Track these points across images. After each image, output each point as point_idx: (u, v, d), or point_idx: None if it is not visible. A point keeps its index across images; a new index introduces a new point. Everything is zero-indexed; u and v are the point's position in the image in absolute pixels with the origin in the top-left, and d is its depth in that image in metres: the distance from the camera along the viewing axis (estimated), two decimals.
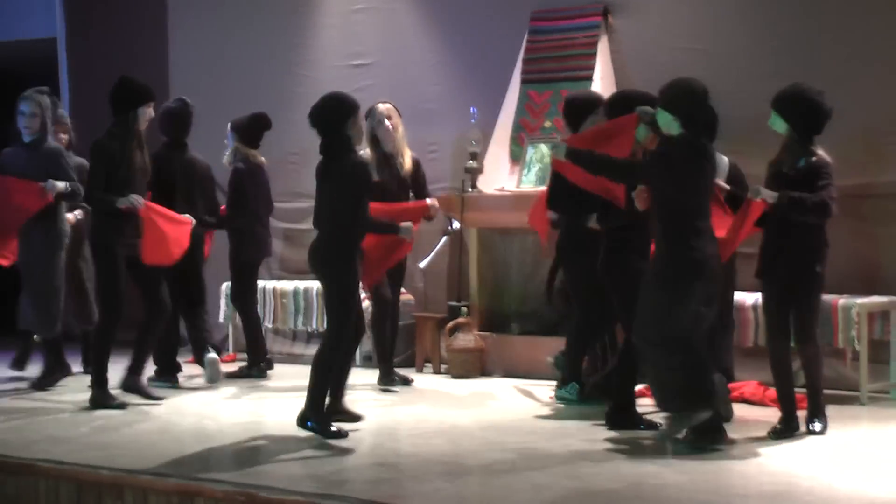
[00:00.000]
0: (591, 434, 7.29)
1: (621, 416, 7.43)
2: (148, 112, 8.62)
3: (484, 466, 6.57)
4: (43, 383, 9.24)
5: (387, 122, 8.96)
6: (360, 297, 7.46)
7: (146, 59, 12.18)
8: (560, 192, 7.97)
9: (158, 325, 8.69)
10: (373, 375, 9.20)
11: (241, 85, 11.52)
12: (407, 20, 10.86)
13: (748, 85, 8.91)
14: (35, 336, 9.76)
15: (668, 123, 6.82)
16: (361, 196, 7.16)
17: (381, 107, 9.09)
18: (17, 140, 8.92)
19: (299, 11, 11.47)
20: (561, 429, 7.55)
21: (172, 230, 8.63)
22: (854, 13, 8.84)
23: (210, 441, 7.27)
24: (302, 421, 7.21)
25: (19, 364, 10.21)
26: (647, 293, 6.79)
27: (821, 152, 7.06)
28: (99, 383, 8.46)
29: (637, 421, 7.45)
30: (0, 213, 8.86)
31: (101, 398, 8.41)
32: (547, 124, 9.57)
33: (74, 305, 9.52)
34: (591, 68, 9.65)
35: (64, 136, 9.44)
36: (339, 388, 7.56)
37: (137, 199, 8.41)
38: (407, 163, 9.05)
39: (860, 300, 8.27)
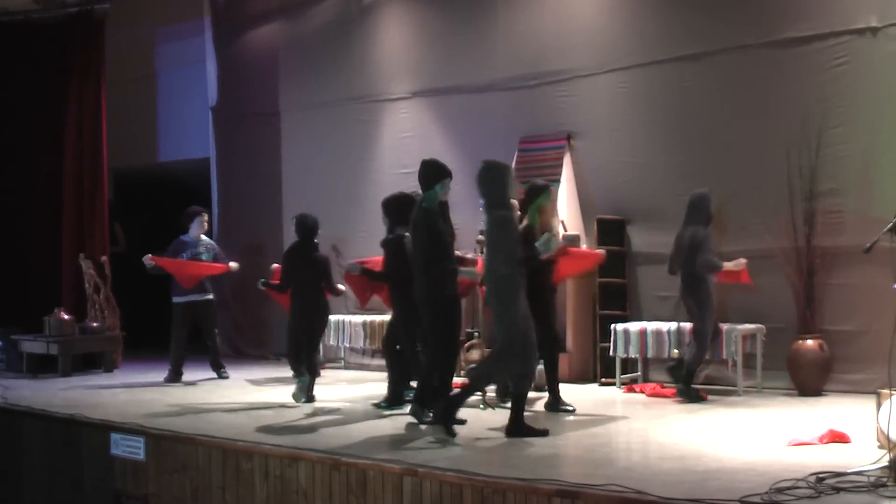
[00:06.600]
0: None
1: None
2: (447, 186, 7.09)
3: None
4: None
5: None
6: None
7: (266, 166, 12.17)
8: None
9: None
10: None
11: (328, 182, 11.53)
12: (437, 143, 10.64)
13: (662, 184, 9.12)
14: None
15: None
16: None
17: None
18: None
19: (366, 135, 11.38)
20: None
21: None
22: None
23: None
24: None
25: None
26: None
27: None
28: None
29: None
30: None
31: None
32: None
33: None
34: (559, 174, 9.58)
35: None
36: None
37: (472, 272, 7.48)
38: None
39: (738, 326, 8.33)
